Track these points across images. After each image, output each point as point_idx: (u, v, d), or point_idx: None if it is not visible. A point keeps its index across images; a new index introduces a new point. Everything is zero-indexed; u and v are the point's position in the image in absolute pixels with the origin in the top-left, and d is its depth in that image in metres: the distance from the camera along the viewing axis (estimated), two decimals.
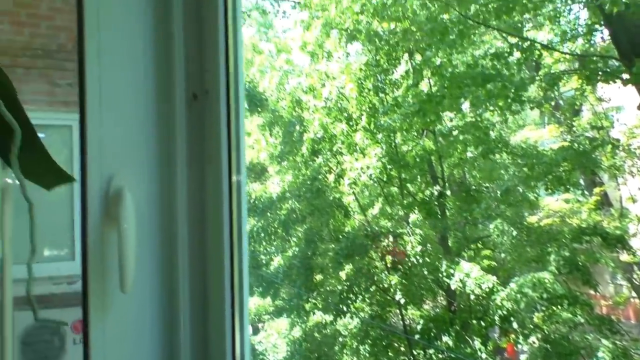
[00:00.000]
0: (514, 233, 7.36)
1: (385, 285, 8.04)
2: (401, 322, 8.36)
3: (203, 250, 0.75)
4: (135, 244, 0.70)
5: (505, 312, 6.51)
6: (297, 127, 9.00)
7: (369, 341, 7.98)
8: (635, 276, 7.31)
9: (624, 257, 6.91)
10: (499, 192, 7.50)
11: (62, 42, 4.23)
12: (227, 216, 0.74)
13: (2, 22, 3.76)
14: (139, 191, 0.73)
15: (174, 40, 0.74)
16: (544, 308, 6.39)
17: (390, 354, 8.04)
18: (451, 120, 7.70)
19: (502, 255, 7.82)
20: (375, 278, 8.19)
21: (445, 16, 5.81)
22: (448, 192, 8.38)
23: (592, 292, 6.86)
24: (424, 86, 7.59)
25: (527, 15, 5.90)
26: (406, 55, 7.77)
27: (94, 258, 0.71)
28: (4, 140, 0.45)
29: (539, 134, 8.58)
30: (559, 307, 6.25)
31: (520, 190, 7.12)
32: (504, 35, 6.48)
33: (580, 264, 6.56)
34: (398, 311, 8.32)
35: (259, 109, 9.38)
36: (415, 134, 8.19)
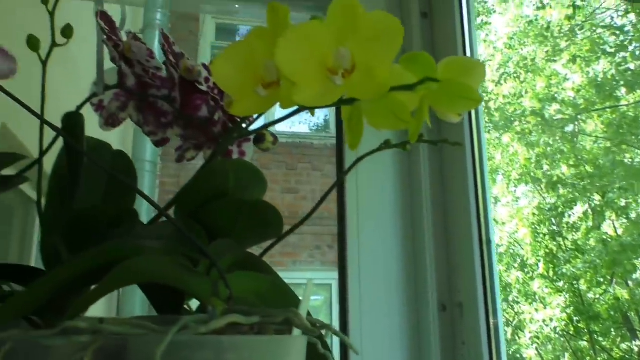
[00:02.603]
0: None
1: None
2: None
3: None
4: None
5: None
6: None
7: None
8: None
9: None
10: None
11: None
12: None
13: None
14: None
15: (425, 254, 0.78)
16: None
17: None
18: None
19: None
20: None
21: (627, 155, 5.47)
22: None
23: None
24: (606, 228, 6.99)
25: None
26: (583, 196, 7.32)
27: None
28: None
29: None
30: None
31: None
32: None
33: None
34: None
35: None
36: (602, 279, 7.40)
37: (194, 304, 0.57)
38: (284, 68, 0.35)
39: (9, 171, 0.66)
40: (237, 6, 0.86)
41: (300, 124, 5.63)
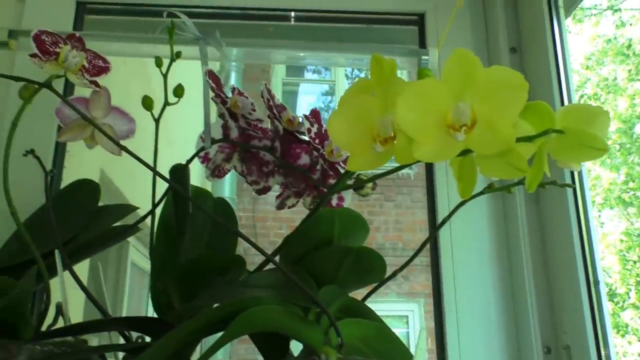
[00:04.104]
0: None
1: None
2: None
3: None
4: None
5: None
6: None
7: None
8: None
9: None
10: None
11: None
12: None
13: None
14: None
15: (526, 296, 0.75)
16: None
17: None
18: None
19: None
20: None
21: None
22: None
23: None
24: None
25: None
26: None
27: None
28: None
29: None
30: None
31: None
32: None
33: None
34: None
35: None
36: None
37: (295, 344, 0.58)
38: (405, 126, 0.36)
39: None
40: (302, 54, 0.89)
41: None
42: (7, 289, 0.43)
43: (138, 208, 0.68)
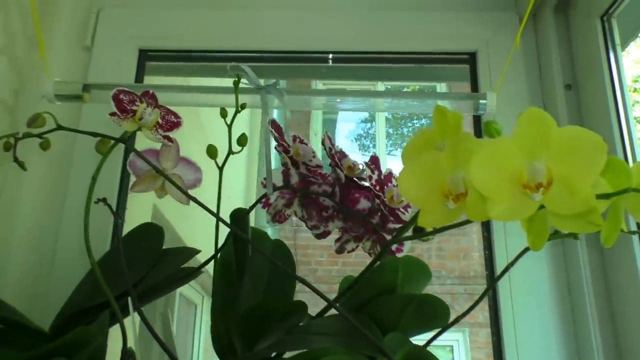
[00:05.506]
0: None
1: None
2: None
3: None
4: None
5: None
6: None
7: None
8: None
9: None
10: None
11: None
12: None
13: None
14: None
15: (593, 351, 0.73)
16: None
17: None
18: None
19: None
20: None
21: None
22: None
23: None
24: None
25: None
26: None
27: None
28: None
29: None
30: None
31: None
32: None
33: None
34: None
35: None
36: None
37: None
38: (479, 186, 0.36)
39: None
40: (338, 100, 0.92)
41: None
42: (89, 338, 0.45)
43: (200, 251, 0.69)
